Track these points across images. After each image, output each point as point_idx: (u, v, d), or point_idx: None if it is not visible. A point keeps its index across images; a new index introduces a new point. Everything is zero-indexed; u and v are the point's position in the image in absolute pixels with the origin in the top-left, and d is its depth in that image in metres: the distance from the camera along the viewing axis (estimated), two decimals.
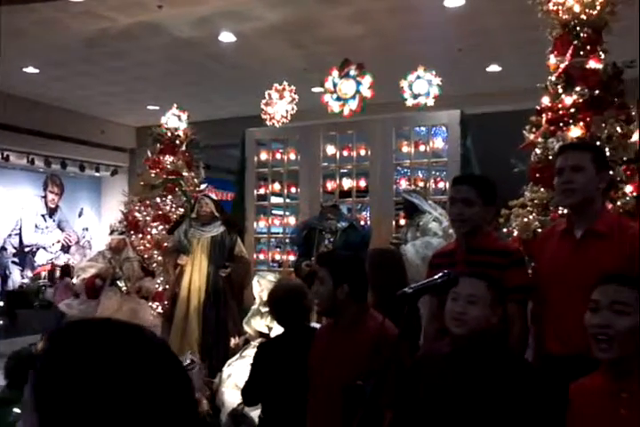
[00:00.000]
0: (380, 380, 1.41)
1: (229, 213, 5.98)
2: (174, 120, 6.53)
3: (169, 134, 6.44)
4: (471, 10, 5.95)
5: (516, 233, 3.97)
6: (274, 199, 6.11)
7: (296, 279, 2.96)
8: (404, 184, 5.58)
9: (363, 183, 5.68)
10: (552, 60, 3.95)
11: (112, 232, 5.56)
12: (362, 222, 5.77)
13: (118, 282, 5.23)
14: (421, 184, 5.40)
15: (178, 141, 6.48)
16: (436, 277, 1.59)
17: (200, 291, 4.83)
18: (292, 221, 5.93)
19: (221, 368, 4.01)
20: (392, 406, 2.10)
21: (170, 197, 6.06)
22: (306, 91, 5.76)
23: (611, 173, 3.57)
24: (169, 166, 6.22)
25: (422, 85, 5.19)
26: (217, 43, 7.04)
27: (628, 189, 3.68)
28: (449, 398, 1.92)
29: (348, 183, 5.73)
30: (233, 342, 4.29)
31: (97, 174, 10.69)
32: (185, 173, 6.24)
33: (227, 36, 6.89)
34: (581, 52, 3.82)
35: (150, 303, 5.42)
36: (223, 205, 5.22)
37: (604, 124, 3.72)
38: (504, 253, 2.43)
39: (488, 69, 7.85)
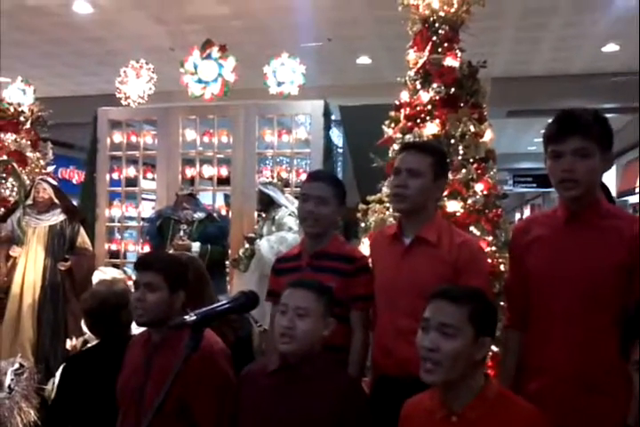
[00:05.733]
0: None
1: (79, 196, 5.54)
2: (18, 94, 5.90)
3: (12, 110, 5.80)
4: None
5: (372, 229, 3.95)
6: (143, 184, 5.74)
7: (120, 281, 2.68)
8: (268, 175, 5.42)
9: (225, 171, 5.43)
10: (411, 55, 3.91)
11: None
12: (222, 213, 5.56)
13: None
14: (285, 175, 5.26)
15: (22, 118, 5.86)
16: (228, 300, 1.40)
17: (35, 286, 4.38)
18: (147, 208, 5.57)
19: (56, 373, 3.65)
20: (218, 424, 1.92)
21: (11, 179, 5.47)
22: (172, 71, 5.43)
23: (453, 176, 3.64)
24: (10, 145, 5.61)
25: (286, 73, 5.02)
26: (71, 13, 6.49)
27: (479, 187, 3.73)
28: (264, 420, 1.78)
29: (208, 171, 5.46)
30: (70, 343, 3.92)
31: None
32: (29, 154, 5.66)
33: (82, 7, 6.35)
34: (439, 49, 3.81)
35: None
36: (67, 191, 4.76)
37: (458, 123, 3.75)
38: (349, 260, 2.30)
39: (358, 61, 7.86)
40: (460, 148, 3.71)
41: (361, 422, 1.79)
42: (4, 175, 5.50)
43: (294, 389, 1.82)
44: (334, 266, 2.26)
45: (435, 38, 3.80)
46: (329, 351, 1.94)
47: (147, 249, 5.21)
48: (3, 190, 5.45)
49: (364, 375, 2.42)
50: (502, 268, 3.40)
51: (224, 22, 6.38)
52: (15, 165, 5.25)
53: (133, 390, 1.98)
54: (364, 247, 3.95)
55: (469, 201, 3.65)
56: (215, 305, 1.39)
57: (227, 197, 6.45)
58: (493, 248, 3.55)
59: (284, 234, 4.18)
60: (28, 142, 5.78)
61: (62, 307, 4.41)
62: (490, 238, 3.57)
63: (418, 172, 2.10)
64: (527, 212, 18.48)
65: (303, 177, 5.24)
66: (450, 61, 3.78)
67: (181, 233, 4.58)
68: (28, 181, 5.33)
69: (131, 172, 5.58)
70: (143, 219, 5.45)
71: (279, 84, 5.04)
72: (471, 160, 3.74)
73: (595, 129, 1.74)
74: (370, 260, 2.34)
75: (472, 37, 3.79)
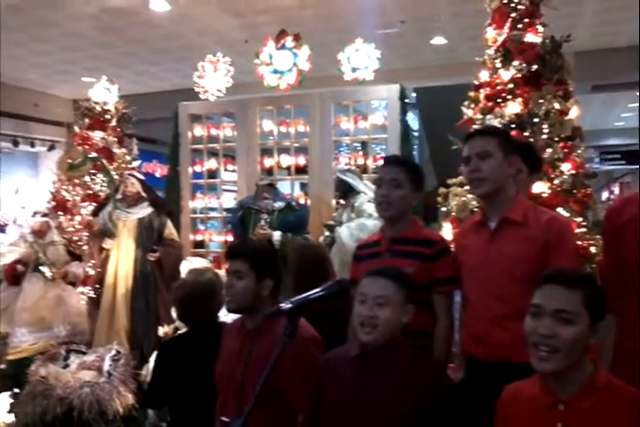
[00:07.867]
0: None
1: (164, 189, 5.73)
2: (104, 93, 6.15)
3: (98, 108, 6.07)
4: None
5: (454, 212, 3.88)
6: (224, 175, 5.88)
7: (209, 270, 2.75)
8: (344, 162, 5.41)
9: (302, 160, 5.47)
10: (490, 33, 3.80)
11: (34, 214, 5.21)
12: (301, 201, 5.60)
13: (41, 267, 4.91)
14: (361, 161, 5.24)
15: (108, 116, 6.11)
16: (321, 288, 1.41)
17: (127, 277, 4.57)
18: (229, 199, 5.70)
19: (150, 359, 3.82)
20: (304, 409, 1.95)
21: (100, 175, 5.73)
22: (248, 63, 5.52)
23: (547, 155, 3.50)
24: (99, 143, 5.87)
25: (361, 59, 4.98)
26: (149, 11, 6.67)
27: (566, 166, 3.59)
28: (346, 404, 1.79)
29: (286, 160, 5.52)
30: (162, 330, 4.09)
31: (32, 150, 10.18)
32: (116, 150, 5.91)
33: (159, 4, 6.51)
34: (519, 26, 3.68)
35: (81, 288, 5.14)
36: (151, 184, 4.93)
37: (541, 101, 3.61)
38: (429, 243, 2.28)
39: (433, 42, 7.69)
40: (545, 126, 3.59)
41: (444, 408, 1.77)
42: (95, 171, 5.78)
43: (375, 375, 1.82)
44: (414, 250, 2.26)
45: (514, 14, 3.69)
46: (406, 337, 1.93)
47: (230, 239, 5.34)
48: (94, 186, 5.72)
49: (451, 361, 2.39)
50: (593, 250, 3.27)
51: (295, 11, 6.38)
52: (104, 161, 5.48)
53: (232, 375, 2.04)
54: (446, 232, 3.90)
55: (556, 181, 3.52)
56: (308, 293, 1.41)
57: (303, 185, 6.50)
58: (583, 229, 3.41)
59: (363, 221, 4.18)
60: (115, 139, 6.04)
61: (153, 296, 4.58)
62: (579, 219, 3.44)
63: (487, 153, 2.08)
64: (616, 190, 17.61)
65: (380, 163, 5.21)
66: (531, 37, 3.65)
67: (262, 222, 4.64)
68: (116, 176, 5.56)
69: (212, 164, 5.72)
70: (225, 209, 5.58)
71: (354, 69, 5.02)
72: (557, 139, 3.61)
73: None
74: (452, 245, 2.31)
75: (553, 11, 3.63)
